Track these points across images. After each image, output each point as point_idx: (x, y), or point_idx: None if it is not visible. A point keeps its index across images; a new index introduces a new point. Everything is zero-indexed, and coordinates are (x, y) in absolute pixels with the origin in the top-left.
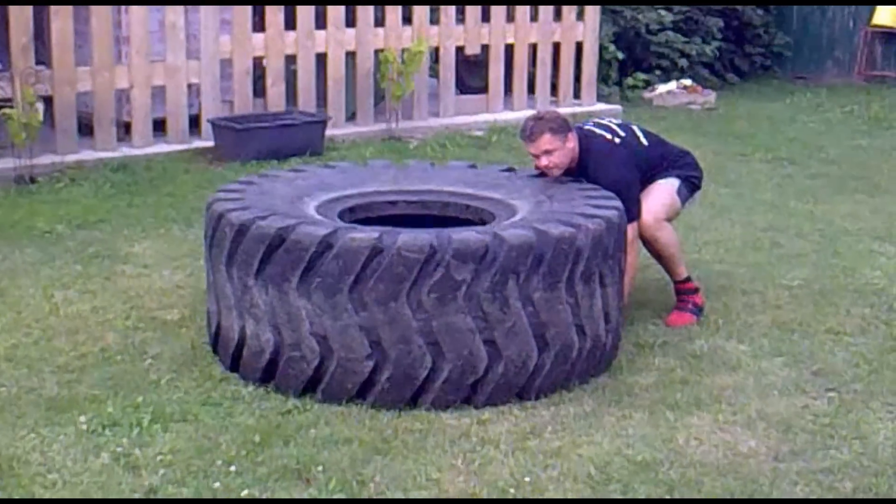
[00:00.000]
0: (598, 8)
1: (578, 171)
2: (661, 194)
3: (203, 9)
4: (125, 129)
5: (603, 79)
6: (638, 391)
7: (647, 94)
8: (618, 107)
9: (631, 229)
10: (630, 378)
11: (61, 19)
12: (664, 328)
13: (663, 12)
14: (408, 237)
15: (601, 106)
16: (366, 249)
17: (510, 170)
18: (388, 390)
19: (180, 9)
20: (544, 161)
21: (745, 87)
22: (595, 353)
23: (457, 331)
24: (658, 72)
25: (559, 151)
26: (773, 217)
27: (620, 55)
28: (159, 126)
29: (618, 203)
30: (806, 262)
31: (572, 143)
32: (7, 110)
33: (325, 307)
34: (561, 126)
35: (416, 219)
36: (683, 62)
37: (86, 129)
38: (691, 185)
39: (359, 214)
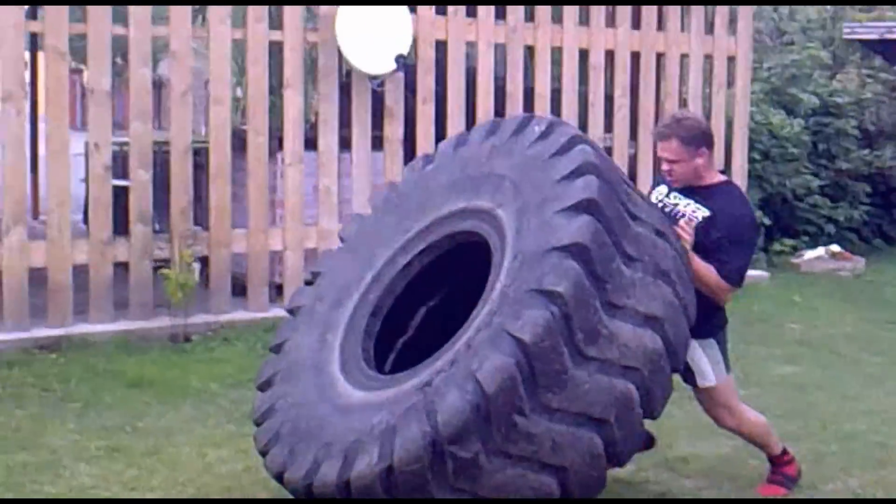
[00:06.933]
0: (744, 173)
1: (702, 199)
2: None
3: (355, 174)
4: (277, 291)
5: None
6: None
7: (794, 260)
8: (765, 273)
9: (729, 293)
10: None
11: (220, 184)
12: None
13: (809, 177)
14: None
15: None
16: None
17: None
18: None
19: (334, 174)
20: (665, 166)
21: (894, 253)
22: None
23: None
24: (805, 237)
25: (682, 163)
26: None
27: (767, 221)
28: None
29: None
30: None
31: (703, 159)
32: (165, 270)
33: None
34: (694, 138)
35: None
36: (830, 228)
37: (239, 289)
38: (719, 334)
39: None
